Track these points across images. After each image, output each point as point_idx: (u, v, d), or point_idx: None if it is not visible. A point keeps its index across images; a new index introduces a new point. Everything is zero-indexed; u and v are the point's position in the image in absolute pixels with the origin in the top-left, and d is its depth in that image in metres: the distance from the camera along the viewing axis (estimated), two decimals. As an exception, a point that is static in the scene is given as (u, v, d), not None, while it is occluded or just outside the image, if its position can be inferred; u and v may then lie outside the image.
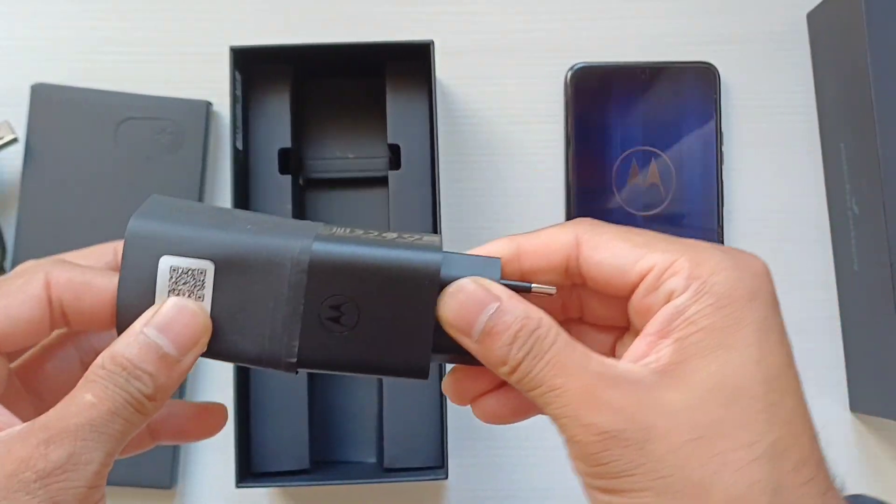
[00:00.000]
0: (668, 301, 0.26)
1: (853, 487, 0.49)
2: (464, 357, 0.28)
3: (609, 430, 0.25)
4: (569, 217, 0.49)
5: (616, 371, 0.26)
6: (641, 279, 0.27)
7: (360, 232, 0.28)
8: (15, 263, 0.48)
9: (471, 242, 0.48)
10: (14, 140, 0.47)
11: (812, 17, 0.50)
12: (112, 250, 0.33)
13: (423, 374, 0.28)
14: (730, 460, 0.24)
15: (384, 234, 0.28)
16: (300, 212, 0.48)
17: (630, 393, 0.25)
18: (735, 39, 0.50)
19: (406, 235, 0.28)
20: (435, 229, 0.45)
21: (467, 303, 0.27)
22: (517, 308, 0.27)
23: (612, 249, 0.28)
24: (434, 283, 0.27)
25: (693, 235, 0.47)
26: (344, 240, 0.27)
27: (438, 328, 0.27)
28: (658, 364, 0.26)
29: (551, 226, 0.29)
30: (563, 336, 0.27)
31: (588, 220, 0.29)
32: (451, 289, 0.27)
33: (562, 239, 0.29)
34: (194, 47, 0.50)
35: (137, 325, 0.27)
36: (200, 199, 0.49)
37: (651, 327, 0.27)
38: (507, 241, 0.29)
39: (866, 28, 0.44)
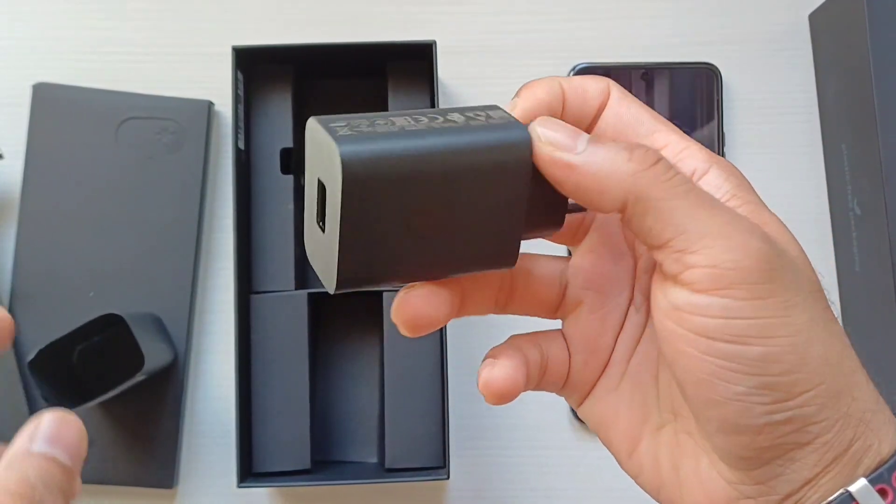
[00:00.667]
0: (692, 175, 0.27)
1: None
2: (552, 214, 0.27)
3: (773, 260, 0.24)
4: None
5: None
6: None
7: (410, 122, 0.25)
8: (17, 263, 0.48)
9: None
10: None
11: (814, 17, 0.50)
12: None
13: (512, 260, 0.27)
14: (826, 306, 0.26)
15: (442, 120, 0.26)
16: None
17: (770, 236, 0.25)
18: (737, 40, 0.50)
19: (466, 114, 0.26)
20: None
21: (563, 126, 0.25)
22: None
23: (635, 113, 0.28)
24: (527, 161, 0.25)
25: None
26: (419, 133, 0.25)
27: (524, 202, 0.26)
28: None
29: (586, 77, 0.29)
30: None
31: (617, 86, 0.29)
32: (543, 117, 0.26)
33: (597, 87, 0.28)
34: (196, 47, 0.50)
35: (23, 441, 0.26)
36: (202, 199, 0.49)
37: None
38: (547, 81, 0.28)
39: (868, 29, 0.44)
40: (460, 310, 0.28)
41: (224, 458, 0.47)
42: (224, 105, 0.50)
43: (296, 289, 0.46)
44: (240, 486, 0.43)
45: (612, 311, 0.30)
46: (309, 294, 0.46)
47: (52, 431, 0.26)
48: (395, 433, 0.45)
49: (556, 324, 0.30)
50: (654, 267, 0.27)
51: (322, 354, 0.48)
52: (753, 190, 0.27)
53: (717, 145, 0.49)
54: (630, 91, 0.29)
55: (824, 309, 0.26)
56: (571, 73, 0.49)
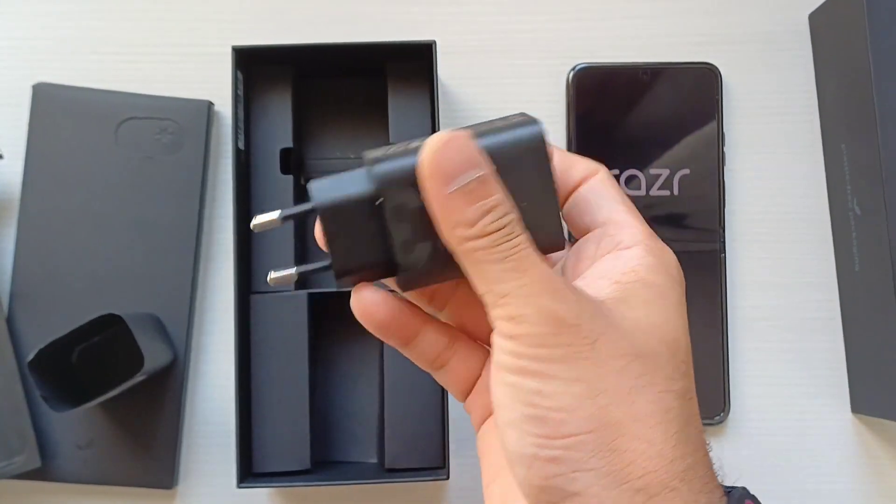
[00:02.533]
0: (615, 249, 0.30)
1: (853, 488, 0.49)
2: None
3: (566, 319, 0.26)
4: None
5: (572, 282, 0.29)
6: (597, 227, 0.31)
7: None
8: (17, 264, 0.48)
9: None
10: None
11: (814, 17, 0.50)
12: None
13: (562, 243, 0.30)
14: (656, 382, 0.27)
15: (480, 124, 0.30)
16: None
17: (587, 298, 0.28)
18: (737, 40, 0.50)
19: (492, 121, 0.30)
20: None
21: (460, 156, 0.27)
22: (499, 187, 0.28)
23: (609, 195, 0.32)
24: (544, 151, 0.28)
25: (694, 236, 0.48)
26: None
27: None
28: (606, 295, 0.28)
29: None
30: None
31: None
32: (445, 136, 0.27)
33: (586, 165, 0.32)
34: (196, 47, 0.50)
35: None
36: (201, 199, 0.49)
37: (596, 270, 0.29)
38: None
39: (868, 29, 0.44)
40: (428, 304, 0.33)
41: (224, 459, 0.47)
42: (224, 105, 0.50)
43: (296, 289, 0.46)
44: (239, 487, 0.43)
45: None
46: (309, 294, 0.46)
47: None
48: (395, 433, 0.45)
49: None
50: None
51: (322, 354, 0.48)
52: (671, 279, 0.29)
53: (717, 145, 0.49)
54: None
55: (639, 377, 0.27)
56: (571, 73, 0.49)
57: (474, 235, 0.27)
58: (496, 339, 0.28)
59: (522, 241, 0.27)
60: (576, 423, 0.26)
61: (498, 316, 0.27)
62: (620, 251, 0.29)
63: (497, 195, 0.27)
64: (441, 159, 0.27)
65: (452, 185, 0.27)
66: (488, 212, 0.27)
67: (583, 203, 0.31)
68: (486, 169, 0.27)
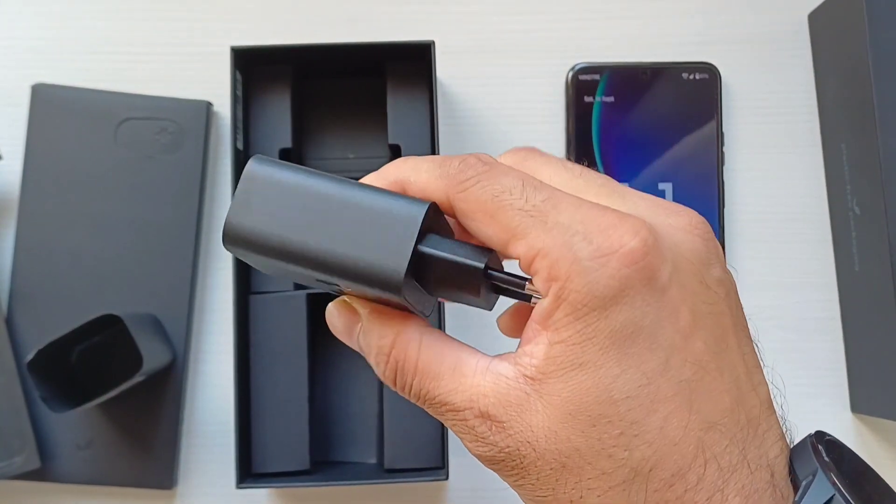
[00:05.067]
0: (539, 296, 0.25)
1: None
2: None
3: (491, 459, 0.25)
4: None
5: (487, 387, 0.25)
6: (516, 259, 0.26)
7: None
8: (16, 264, 0.48)
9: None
10: None
11: (813, 17, 0.50)
12: None
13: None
14: (592, 487, 0.24)
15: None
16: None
17: (505, 412, 0.24)
18: (736, 40, 0.50)
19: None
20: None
21: (340, 327, 0.28)
22: (373, 330, 0.27)
23: (480, 227, 0.26)
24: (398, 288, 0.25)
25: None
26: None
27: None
28: (531, 369, 0.24)
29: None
30: (427, 343, 0.27)
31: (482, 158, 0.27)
32: (327, 313, 0.29)
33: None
34: (195, 47, 0.50)
35: None
36: (200, 199, 0.49)
37: (535, 316, 0.25)
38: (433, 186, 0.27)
39: (867, 28, 0.44)
40: None
41: (223, 459, 0.47)
42: (223, 105, 0.50)
43: (295, 289, 0.46)
44: (239, 487, 0.43)
45: None
46: (308, 294, 0.46)
47: None
48: (395, 433, 0.45)
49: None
50: None
51: (322, 354, 0.48)
52: (603, 308, 0.24)
53: (716, 145, 0.49)
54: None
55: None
56: (571, 72, 0.49)
57: (380, 372, 0.28)
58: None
59: (420, 370, 0.27)
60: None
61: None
62: (539, 303, 0.25)
63: (374, 346, 0.28)
64: (335, 327, 0.29)
65: (352, 343, 0.29)
66: (380, 365, 0.28)
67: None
68: (358, 322, 0.28)
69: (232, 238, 0.26)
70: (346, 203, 0.26)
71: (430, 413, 0.27)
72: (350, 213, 0.25)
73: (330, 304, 0.29)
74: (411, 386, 0.27)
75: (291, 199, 0.26)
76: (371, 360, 0.28)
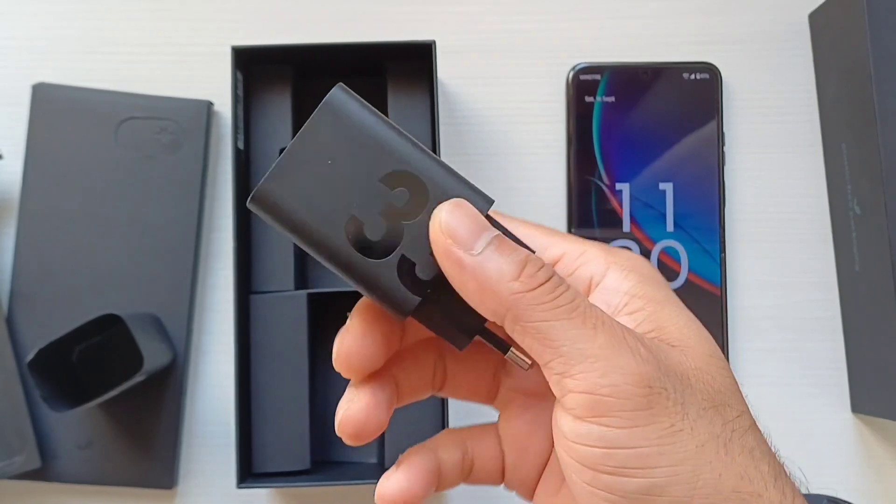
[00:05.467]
0: (589, 284, 0.27)
1: (853, 487, 0.49)
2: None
3: (654, 383, 0.23)
4: (570, 217, 0.49)
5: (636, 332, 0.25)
6: (552, 264, 0.27)
7: None
8: (16, 264, 0.48)
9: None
10: None
11: (814, 17, 0.50)
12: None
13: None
14: (736, 425, 0.25)
15: None
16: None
17: (655, 346, 0.24)
18: (737, 40, 0.50)
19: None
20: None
21: (472, 220, 0.24)
22: (520, 246, 0.25)
23: (522, 231, 0.27)
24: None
25: (695, 236, 0.48)
26: None
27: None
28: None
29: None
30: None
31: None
32: (450, 205, 0.25)
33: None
34: (195, 47, 0.50)
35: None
36: (201, 199, 0.49)
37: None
38: None
39: (868, 28, 0.44)
40: (399, 401, 0.29)
41: (224, 459, 0.47)
42: (223, 105, 0.50)
43: (296, 289, 0.46)
44: (239, 487, 0.43)
45: (543, 412, 0.28)
46: (309, 294, 0.46)
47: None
48: (395, 433, 0.45)
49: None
50: None
51: (322, 354, 0.48)
52: (659, 282, 0.27)
53: (717, 145, 0.49)
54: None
55: (725, 425, 0.24)
56: (571, 72, 0.49)
57: (525, 288, 0.23)
58: (572, 426, 0.23)
59: (577, 292, 0.24)
60: None
61: (574, 388, 0.23)
62: (599, 286, 0.26)
63: (521, 249, 0.25)
64: (458, 226, 0.24)
65: (476, 247, 0.24)
66: (525, 263, 0.24)
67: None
68: (496, 230, 0.25)
69: (260, 203, 0.26)
70: None
71: None
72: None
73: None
74: None
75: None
76: (521, 253, 0.24)
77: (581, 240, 0.28)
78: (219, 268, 0.49)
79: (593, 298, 0.26)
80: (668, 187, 0.49)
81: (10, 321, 0.47)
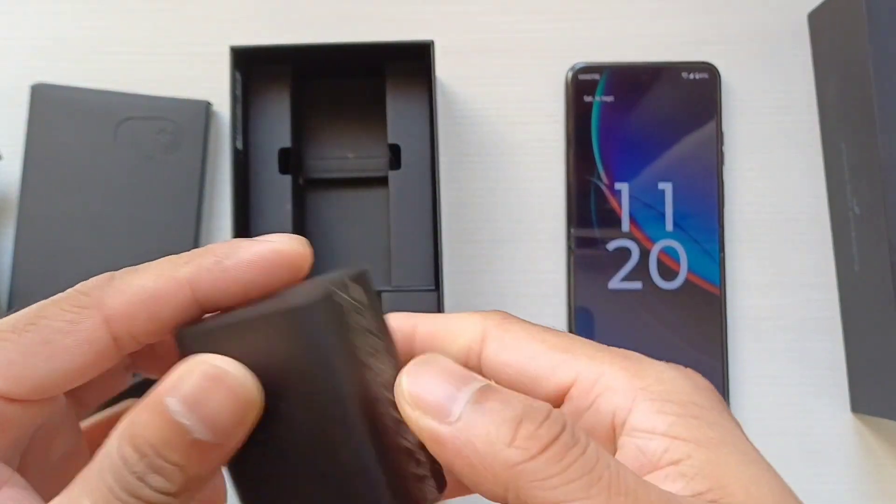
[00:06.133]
0: (612, 423, 0.20)
1: (853, 487, 0.49)
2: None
3: None
4: (569, 217, 0.49)
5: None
6: (561, 393, 0.21)
7: None
8: (16, 264, 0.48)
9: (471, 242, 0.48)
10: None
11: (813, 16, 0.50)
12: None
13: None
14: None
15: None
16: (300, 212, 0.48)
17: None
18: (736, 39, 0.50)
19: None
20: (435, 229, 0.44)
21: (439, 374, 0.19)
22: (506, 391, 0.19)
23: (523, 350, 0.22)
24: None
25: (694, 236, 0.48)
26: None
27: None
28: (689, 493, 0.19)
29: (458, 314, 0.24)
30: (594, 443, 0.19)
31: (501, 313, 0.23)
32: (418, 359, 0.20)
33: (466, 328, 0.23)
34: (194, 47, 0.50)
35: (161, 392, 0.19)
36: (200, 199, 0.49)
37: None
38: (403, 317, 0.23)
39: (867, 28, 0.44)
40: None
41: (223, 459, 0.47)
42: (222, 105, 0.50)
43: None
44: None
45: None
46: (307, 294, 0.46)
47: (194, 392, 0.19)
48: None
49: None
50: None
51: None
52: (707, 409, 0.20)
53: (716, 145, 0.49)
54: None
55: None
56: (570, 72, 0.49)
57: (525, 456, 0.18)
58: None
59: (598, 451, 0.18)
60: None
61: None
62: (626, 425, 0.20)
63: (514, 397, 0.19)
64: (422, 390, 0.19)
65: (453, 412, 0.19)
66: (521, 418, 0.18)
67: (506, 379, 0.22)
68: (478, 379, 0.19)
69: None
70: None
71: None
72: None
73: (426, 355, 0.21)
74: None
75: None
76: (517, 408, 0.19)
77: (597, 350, 0.21)
78: (218, 268, 0.49)
79: (622, 446, 0.20)
80: (667, 187, 0.49)
81: (9, 321, 0.47)
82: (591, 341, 0.22)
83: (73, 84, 0.49)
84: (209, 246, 0.23)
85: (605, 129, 0.49)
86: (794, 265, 0.49)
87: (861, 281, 0.46)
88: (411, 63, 0.46)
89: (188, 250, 0.47)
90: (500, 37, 0.50)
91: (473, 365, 0.22)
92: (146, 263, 0.23)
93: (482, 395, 0.19)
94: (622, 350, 0.22)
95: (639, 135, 0.49)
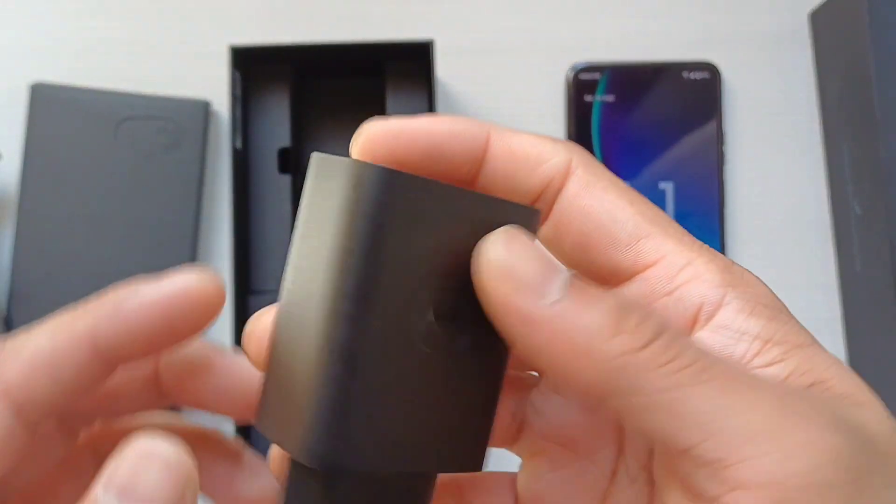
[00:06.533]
0: (696, 315, 0.19)
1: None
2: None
3: (857, 461, 0.17)
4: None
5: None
6: (637, 269, 0.19)
7: None
8: (15, 263, 0.48)
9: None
10: None
11: (815, 16, 0.50)
12: None
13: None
14: None
15: None
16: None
17: (840, 411, 0.18)
18: (737, 39, 0.50)
19: None
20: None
21: (535, 252, 0.17)
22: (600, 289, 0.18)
23: (606, 204, 0.19)
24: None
25: (695, 235, 0.48)
26: None
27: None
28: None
29: (538, 136, 0.20)
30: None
31: (583, 149, 0.20)
32: (501, 238, 0.18)
33: (551, 156, 0.20)
34: (194, 47, 0.50)
35: (98, 489, 0.17)
36: (199, 199, 0.49)
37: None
38: (475, 124, 0.20)
39: (869, 28, 0.43)
40: None
41: (222, 459, 0.47)
42: (221, 105, 0.50)
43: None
44: (237, 487, 0.43)
45: (584, 473, 0.21)
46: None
47: (125, 478, 0.17)
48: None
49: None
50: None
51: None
52: (794, 319, 0.19)
53: (716, 145, 0.49)
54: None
55: None
56: (571, 73, 0.49)
57: (634, 344, 0.17)
58: None
59: (699, 349, 0.17)
60: None
61: (745, 481, 0.16)
62: (713, 320, 0.19)
63: (608, 292, 0.17)
64: (518, 264, 0.17)
65: (549, 293, 0.17)
66: (621, 311, 0.17)
67: (574, 235, 0.20)
68: (567, 269, 0.18)
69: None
70: None
71: None
72: None
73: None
74: None
75: None
76: (615, 298, 0.17)
77: (683, 234, 0.20)
78: (216, 268, 0.49)
79: (702, 340, 0.19)
80: (668, 186, 0.49)
81: (9, 321, 0.47)
82: (673, 221, 0.20)
83: (73, 84, 0.49)
84: (111, 291, 0.22)
85: (606, 128, 0.49)
86: (796, 265, 0.49)
87: (863, 281, 0.46)
88: (411, 62, 0.46)
89: (188, 250, 0.48)
90: (500, 36, 0.50)
91: (548, 201, 0.20)
92: (42, 322, 0.21)
93: (578, 283, 0.17)
94: (703, 243, 0.20)
95: (639, 134, 0.49)
